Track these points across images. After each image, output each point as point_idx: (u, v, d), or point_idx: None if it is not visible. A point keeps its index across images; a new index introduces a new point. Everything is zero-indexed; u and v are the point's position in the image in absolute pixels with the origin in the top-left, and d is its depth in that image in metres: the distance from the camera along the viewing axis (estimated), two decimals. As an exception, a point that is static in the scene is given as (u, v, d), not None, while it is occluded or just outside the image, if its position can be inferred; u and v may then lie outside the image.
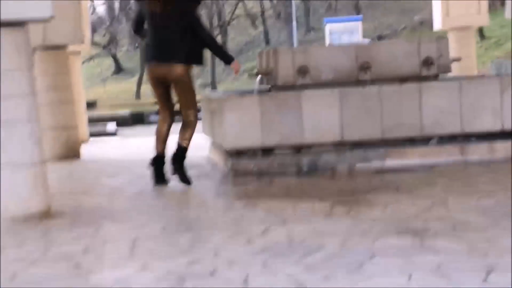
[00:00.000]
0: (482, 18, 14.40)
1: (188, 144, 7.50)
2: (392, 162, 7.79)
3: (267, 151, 7.78)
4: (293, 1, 36.46)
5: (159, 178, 7.53)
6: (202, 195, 7.18)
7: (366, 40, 28.35)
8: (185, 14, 7.37)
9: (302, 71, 8.17)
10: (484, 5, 14.34)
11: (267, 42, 46.63)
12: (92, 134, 19.99)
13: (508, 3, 11.13)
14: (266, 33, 47.04)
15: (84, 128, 13.53)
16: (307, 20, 45.30)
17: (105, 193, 7.53)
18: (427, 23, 29.04)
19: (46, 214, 6.08)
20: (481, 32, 31.22)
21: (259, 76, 8.54)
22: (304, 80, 8.20)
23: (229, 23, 44.30)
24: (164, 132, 7.59)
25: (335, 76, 8.25)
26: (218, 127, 8.01)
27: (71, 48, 12.49)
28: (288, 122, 7.69)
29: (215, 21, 42.50)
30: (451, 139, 7.93)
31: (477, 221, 5.11)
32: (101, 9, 50.66)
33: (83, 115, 13.56)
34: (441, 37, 8.48)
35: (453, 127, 7.86)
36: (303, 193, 6.71)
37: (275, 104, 7.72)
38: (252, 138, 7.66)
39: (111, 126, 21.60)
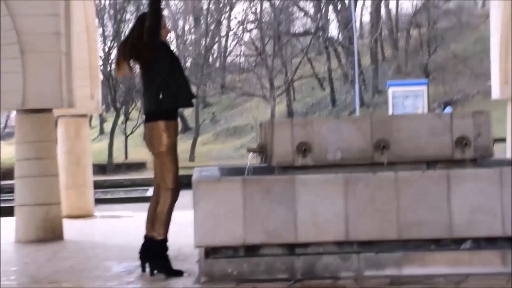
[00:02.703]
0: (547, 88, 12.51)
1: (162, 232, 6.54)
2: (411, 270, 6.04)
3: (251, 250, 6.11)
4: (356, 63, 34.86)
5: (142, 262, 6.62)
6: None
7: (449, 109, 26.40)
8: None
9: (303, 148, 6.52)
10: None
11: (334, 103, 45.12)
12: (128, 200, 18.92)
13: None
14: (332, 95, 45.55)
15: (88, 199, 11.98)
16: (375, 83, 43.64)
17: None
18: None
19: None
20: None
21: (251, 153, 6.95)
22: (305, 161, 6.54)
23: (292, 82, 42.83)
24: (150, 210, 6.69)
25: (344, 156, 6.57)
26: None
27: (78, 110, 11.26)
28: (279, 213, 6.02)
29: (278, 80, 41.15)
30: (490, 243, 6.13)
31: None
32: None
33: (89, 184, 12.05)
34: (480, 112, 6.71)
35: (493, 228, 6.06)
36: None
37: (262, 190, 6.06)
38: (232, 233, 6.03)
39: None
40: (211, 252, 6.14)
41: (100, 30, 42.24)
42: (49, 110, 9.43)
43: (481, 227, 6.06)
